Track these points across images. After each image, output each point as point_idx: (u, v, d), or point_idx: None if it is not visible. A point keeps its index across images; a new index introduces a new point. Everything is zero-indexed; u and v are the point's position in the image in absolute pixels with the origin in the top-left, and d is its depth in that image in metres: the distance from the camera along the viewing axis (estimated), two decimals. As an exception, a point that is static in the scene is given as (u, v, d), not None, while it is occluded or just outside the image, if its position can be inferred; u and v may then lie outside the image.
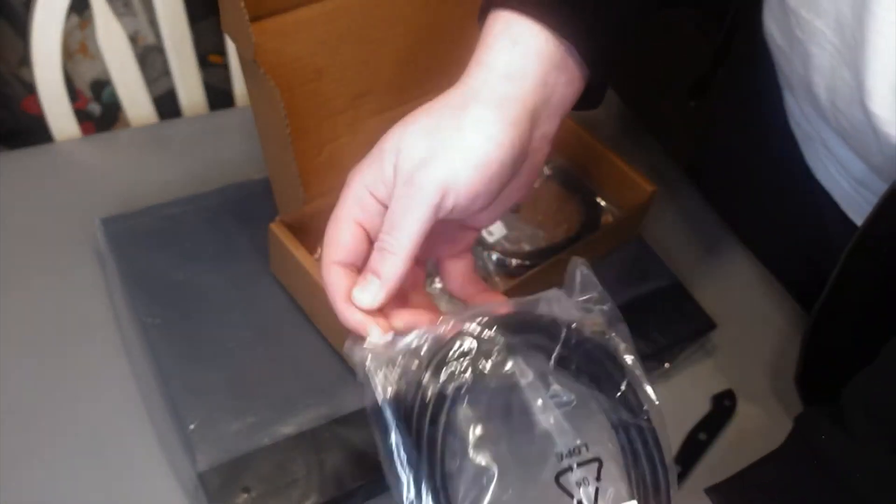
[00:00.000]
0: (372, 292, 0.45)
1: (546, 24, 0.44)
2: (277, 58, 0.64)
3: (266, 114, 0.65)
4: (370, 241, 0.47)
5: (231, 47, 0.99)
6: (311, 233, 0.73)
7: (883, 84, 0.55)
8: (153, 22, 1.38)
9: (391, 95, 0.75)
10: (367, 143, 0.74)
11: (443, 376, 0.43)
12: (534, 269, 0.71)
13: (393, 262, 0.45)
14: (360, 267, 0.47)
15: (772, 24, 0.69)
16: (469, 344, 0.43)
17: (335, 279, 0.46)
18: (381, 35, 0.72)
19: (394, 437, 0.43)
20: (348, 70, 0.71)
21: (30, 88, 1.15)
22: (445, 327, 0.45)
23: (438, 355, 0.43)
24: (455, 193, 0.44)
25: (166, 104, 1.00)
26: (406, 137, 0.45)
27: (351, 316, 0.46)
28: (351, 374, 0.70)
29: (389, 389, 0.43)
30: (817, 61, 0.61)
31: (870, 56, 0.54)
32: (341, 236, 0.47)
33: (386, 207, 0.46)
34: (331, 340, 0.71)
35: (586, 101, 0.50)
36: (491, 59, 0.46)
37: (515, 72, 0.45)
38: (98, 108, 1.49)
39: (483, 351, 0.43)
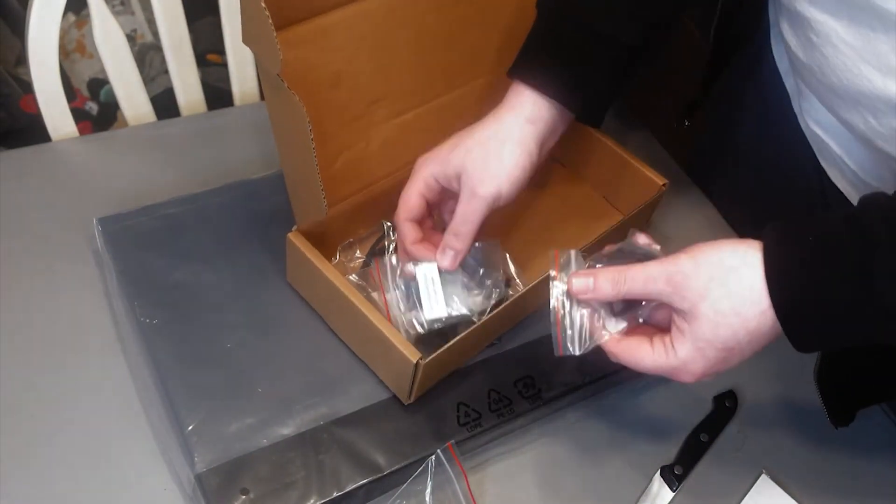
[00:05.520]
0: (450, 258, 0.70)
1: (550, 95, 0.70)
2: (296, 67, 0.64)
3: (286, 123, 0.64)
4: (429, 207, 0.72)
5: (230, 47, 0.99)
6: (327, 240, 0.73)
7: None
8: (151, 20, 1.38)
9: (404, 100, 0.75)
10: (381, 150, 0.74)
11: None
12: (519, 294, 0.71)
13: (463, 241, 0.69)
14: (419, 221, 0.72)
15: (787, 33, 0.71)
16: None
17: (406, 230, 0.71)
18: (394, 40, 0.72)
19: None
20: (363, 76, 0.71)
21: (27, 88, 1.15)
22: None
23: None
24: (501, 199, 0.69)
25: (164, 103, 0.99)
26: (468, 161, 0.68)
27: (416, 253, 0.71)
28: (350, 373, 0.70)
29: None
30: (833, 61, 0.63)
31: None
32: (412, 204, 0.70)
33: (441, 188, 0.70)
34: (353, 349, 0.71)
35: (585, 121, 0.75)
36: (518, 108, 0.70)
37: (534, 118, 0.70)
38: (95, 107, 1.49)
39: None
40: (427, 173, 0.70)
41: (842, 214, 0.53)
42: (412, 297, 0.71)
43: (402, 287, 0.72)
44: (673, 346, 0.58)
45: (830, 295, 0.52)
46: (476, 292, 0.72)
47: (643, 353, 0.59)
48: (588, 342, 0.61)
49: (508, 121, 0.70)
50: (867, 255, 0.50)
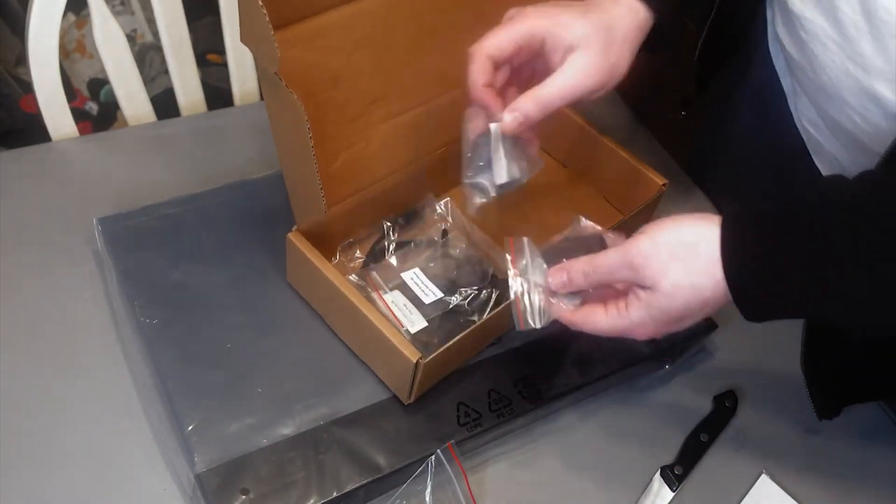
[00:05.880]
0: (516, 121, 0.63)
1: (649, 3, 0.66)
2: (294, 66, 0.64)
3: (285, 123, 0.64)
4: (511, 57, 0.64)
5: (230, 47, 0.99)
6: (327, 240, 0.73)
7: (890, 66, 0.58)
8: (151, 20, 1.38)
9: (402, 100, 0.75)
10: (380, 150, 0.74)
11: None
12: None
13: (540, 110, 0.63)
14: (498, 64, 0.64)
15: (782, 31, 0.72)
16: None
17: (483, 69, 0.63)
18: (393, 40, 0.72)
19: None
20: (362, 76, 0.71)
21: (27, 88, 1.15)
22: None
23: None
24: (599, 92, 0.64)
25: (164, 103, 0.99)
26: (593, 41, 0.63)
27: (483, 97, 0.64)
28: (350, 373, 0.70)
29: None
30: (822, 59, 0.64)
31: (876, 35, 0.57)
32: (503, 44, 0.63)
33: (537, 50, 0.64)
34: (353, 349, 0.71)
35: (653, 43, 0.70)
36: (635, 11, 0.66)
37: (642, 26, 0.66)
38: (96, 107, 1.49)
39: None
40: (541, 27, 0.63)
41: (803, 192, 0.55)
42: (482, 157, 0.66)
43: (471, 141, 0.66)
44: (627, 309, 0.59)
45: (781, 265, 0.53)
46: (515, 163, 0.67)
47: (598, 318, 0.61)
48: (546, 316, 0.64)
49: (626, 20, 0.65)
50: (822, 231, 0.52)
